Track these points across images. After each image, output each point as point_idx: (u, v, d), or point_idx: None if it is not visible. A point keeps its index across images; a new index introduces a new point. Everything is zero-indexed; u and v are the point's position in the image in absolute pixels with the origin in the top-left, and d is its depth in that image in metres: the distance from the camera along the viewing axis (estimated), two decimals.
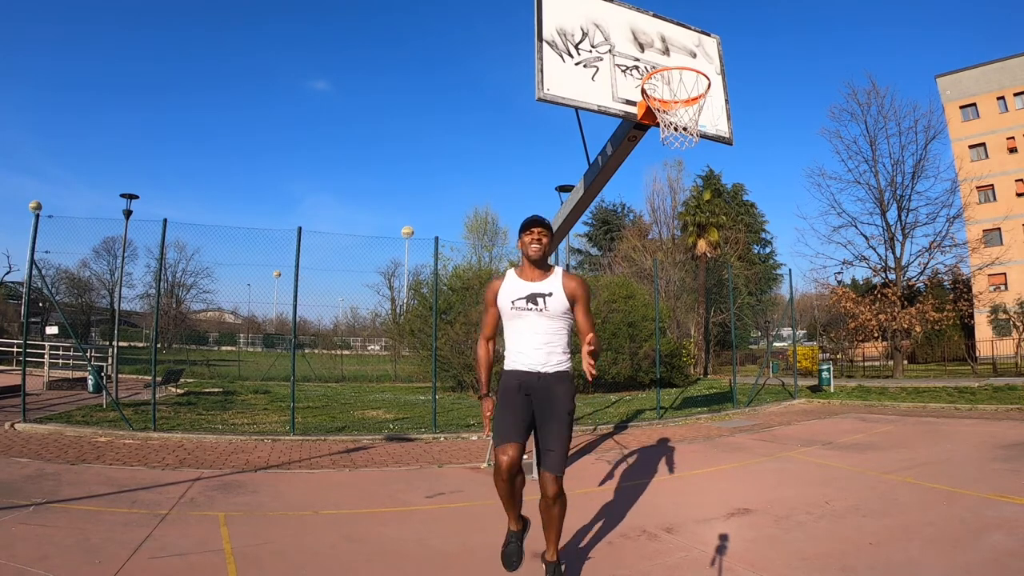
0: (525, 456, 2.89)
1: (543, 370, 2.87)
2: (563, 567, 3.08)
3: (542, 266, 2.96)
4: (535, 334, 2.88)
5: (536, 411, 2.87)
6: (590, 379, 2.68)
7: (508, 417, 2.81)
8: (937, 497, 4.77)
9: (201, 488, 5.14)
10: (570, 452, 3.06)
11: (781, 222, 68.19)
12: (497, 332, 3.12)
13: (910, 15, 67.73)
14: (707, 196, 29.32)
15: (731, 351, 16.10)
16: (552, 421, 2.84)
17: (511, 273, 3.02)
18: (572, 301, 2.90)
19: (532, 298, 2.88)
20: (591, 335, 2.75)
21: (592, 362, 2.65)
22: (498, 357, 3.22)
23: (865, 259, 21.70)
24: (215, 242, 19.83)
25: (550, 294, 2.88)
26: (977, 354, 24.07)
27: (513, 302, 2.91)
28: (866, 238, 21.56)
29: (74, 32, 76.82)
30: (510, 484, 2.79)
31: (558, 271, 2.98)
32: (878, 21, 71.87)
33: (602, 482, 5.63)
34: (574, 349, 3.08)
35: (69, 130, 79.35)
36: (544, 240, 2.93)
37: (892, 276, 20.97)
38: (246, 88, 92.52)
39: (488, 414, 2.93)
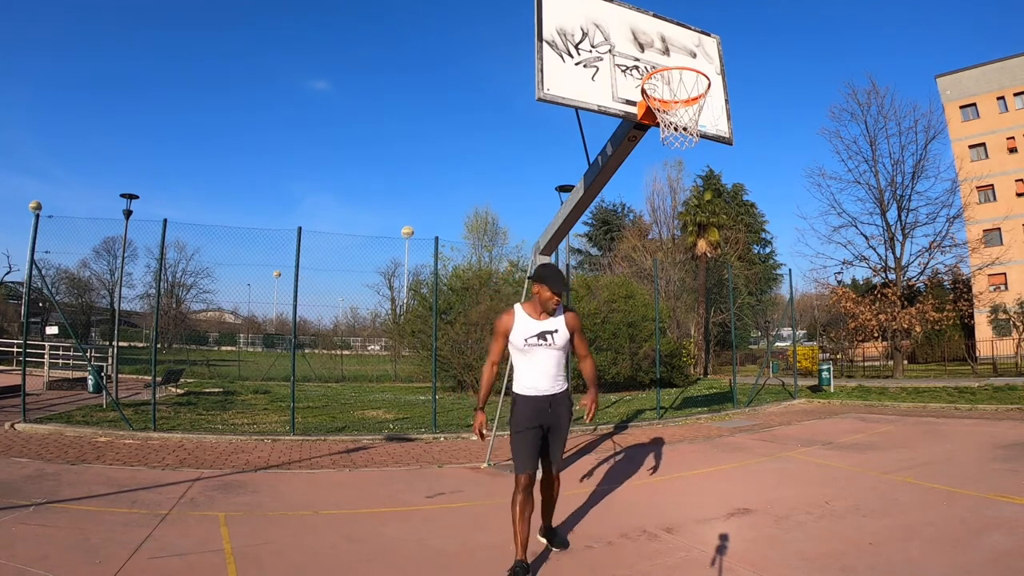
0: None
1: (552, 393, 3.39)
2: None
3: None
4: (545, 365, 3.39)
5: (546, 425, 3.40)
6: (589, 419, 3.54)
7: (527, 448, 3.33)
8: (937, 497, 4.77)
9: (201, 488, 5.14)
10: (571, 452, 4.23)
11: (781, 222, 68.24)
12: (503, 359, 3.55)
13: (910, 15, 67.82)
14: (707, 196, 29.32)
15: (731, 351, 16.10)
16: (558, 432, 3.46)
17: (520, 311, 3.44)
18: (571, 333, 3.45)
19: (542, 335, 3.37)
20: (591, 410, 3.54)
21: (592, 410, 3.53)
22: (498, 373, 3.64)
23: (865, 259, 21.70)
24: (215, 242, 19.84)
25: (556, 331, 3.39)
26: (977, 354, 24.05)
27: (526, 339, 3.36)
28: (866, 238, 21.57)
29: (74, 32, 76.92)
30: (527, 495, 3.27)
31: (559, 310, 3.45)
32: (878, 21, 71.96)
33: (602, 482, 5.62)
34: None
35: (69, 130, 79.46)
36: (559, 301, 3.40)
37: (892, 276, 20.96)
38: (246, 88, 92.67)
39: (479, 426, 3.46)
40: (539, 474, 3.41)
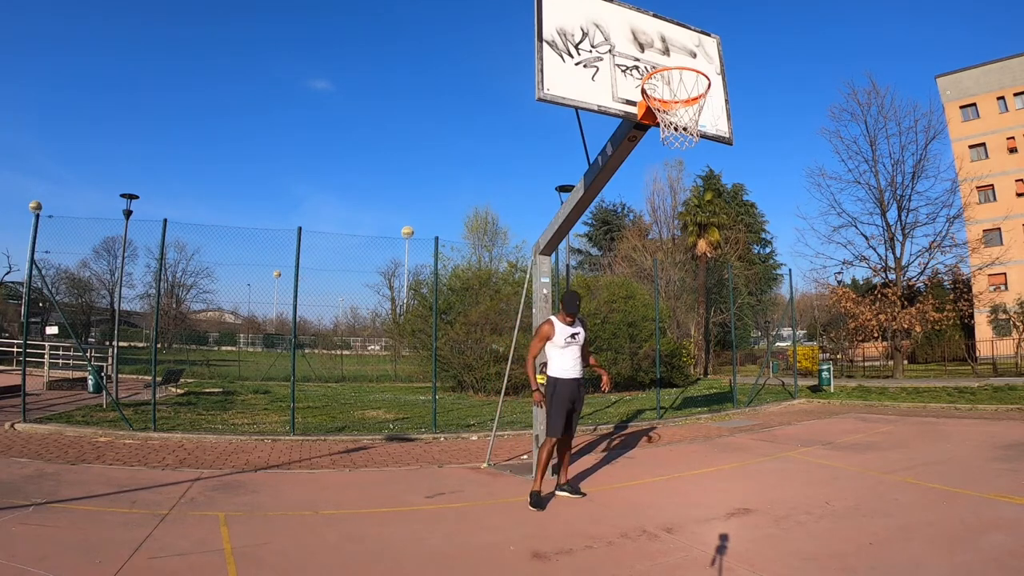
0: (553, 461, 5.10)
1: (579, 376, 4.95)
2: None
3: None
4: (575, 357, 4.93)
5: (574, 403, 4.90)
6: (607, 389, 5.18)
7: (562, 419, 4.81)
8: (937, 497, 4.77)
9: (201, 488, 5.14)
10: (572, 452, 5.32)
11: (781, 222, 68.25)
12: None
13: (910, 15, 67.84)
14: (707, 196, 29.30)
15: (731, 351, 16.09)
16: (577, 411, 5.01)
17: (556, 320, 4.91)
18: (586, 336, 5.06)
19: (572, 336, 4.91)
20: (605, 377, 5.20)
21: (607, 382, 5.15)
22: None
23: (865, 259, 21.65)
24: (215, 242, 19.91)
25: (579, 332, 4.96)
26: (977, 354, 24.03)
27: (565, 339, 4.86)
28: (866, 238, 21.49)
29: (75, 31, 76.94)
30: (551, 453, 4.89)
31: (578, 318, 4.98)
32: (878, 21, 71.98)
33: (602, 482, 5.63)
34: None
35: (70, 130, 79.52)
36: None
37: (892, 276, 20.92)
38: (247, 87, 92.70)
39: (539, 400, 4.91)
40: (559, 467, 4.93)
